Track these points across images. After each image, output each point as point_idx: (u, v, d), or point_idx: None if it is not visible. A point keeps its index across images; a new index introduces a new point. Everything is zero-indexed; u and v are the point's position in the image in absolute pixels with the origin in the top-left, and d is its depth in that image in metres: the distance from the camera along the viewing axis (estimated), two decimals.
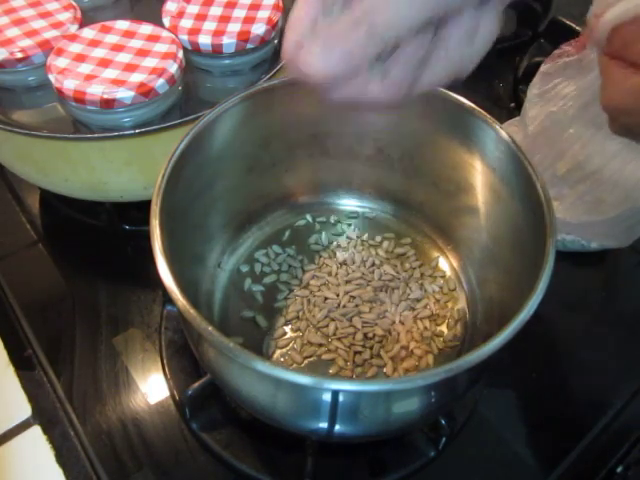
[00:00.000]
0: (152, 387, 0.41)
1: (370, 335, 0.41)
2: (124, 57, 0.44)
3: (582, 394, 0.43)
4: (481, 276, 0.42)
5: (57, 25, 0.46)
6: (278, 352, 0.40)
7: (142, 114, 0.43)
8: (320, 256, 0.46)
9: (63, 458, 0.38)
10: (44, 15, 0.47)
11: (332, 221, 0.48)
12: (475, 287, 0.43)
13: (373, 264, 0.45)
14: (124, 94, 0.41)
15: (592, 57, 0.43)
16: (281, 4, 0.49)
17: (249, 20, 0.47)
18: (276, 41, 0.50)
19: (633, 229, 0.47)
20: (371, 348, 0.40)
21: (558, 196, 0.47)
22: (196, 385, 0.38)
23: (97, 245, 0.50)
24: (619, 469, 0.39)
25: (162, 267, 0.29)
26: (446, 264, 0.45)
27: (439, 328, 0.42)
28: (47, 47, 0.44)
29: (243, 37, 0.45)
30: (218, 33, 0.46)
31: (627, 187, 0.44)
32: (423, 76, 0.24)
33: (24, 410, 0.40)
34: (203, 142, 0.37)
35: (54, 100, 0.44)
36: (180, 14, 0.47)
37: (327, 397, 0.28)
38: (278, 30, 0.49)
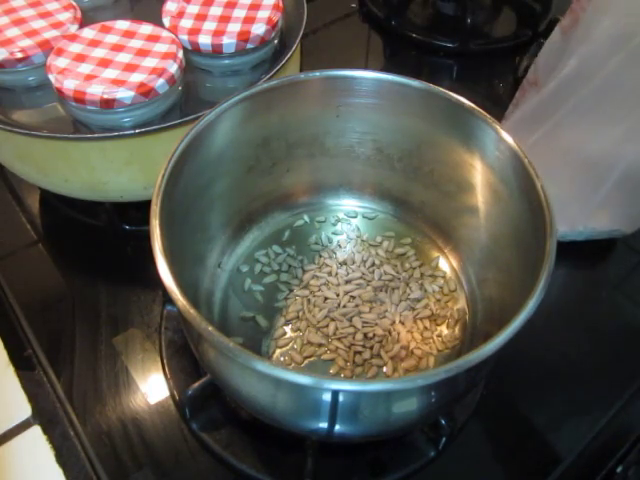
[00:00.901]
0: (152, 387, 0.41)
1: (370, 335, 0.41)
2: (124, 57, 0.44)
3: (582, 393, 0.43)
4: (481, 276, 0.42)
5: (57, 25, 0.46)
6: (278, 352, 0.40)
7: (142, 114, 0.43)
8: (320, 256, 0.46)
9: (63, 458, 0.38)
10: (44, 15, 0.47)
11: (332, 221, 0.48)
12: (475, 287, 0.43)
13: (373, 264, 0.45)
14: (124, 94, 0.41)
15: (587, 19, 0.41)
16: (281, 4, 0.49)
17: (249, 20, 0.47)
18: (276, 41, 0.50)
19: (635, 216, 0.47)
20: (371, 348, 0.40)
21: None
22: (196, 385, 0.38)
23: (97, 245, 0.50)
24: (619, 469, 0.39)
25: (162, 267, 0.29)
26: (446, 264, 0.45)
27: (439, 328, 0.42)
28: (47, 47, 0.44)
29: (243, 37, 0.45)
30: (218, 33, 0.46)
31: (623, 167, 0.43)
32: None
33: (24, 410, 0.40)
34: (203, 142, 0.37)
35: (54, 100, 0.44)
36: (180, 14, 0.47)
37: (327, 397, 0.28)
38: (278, 30, 0.49)
